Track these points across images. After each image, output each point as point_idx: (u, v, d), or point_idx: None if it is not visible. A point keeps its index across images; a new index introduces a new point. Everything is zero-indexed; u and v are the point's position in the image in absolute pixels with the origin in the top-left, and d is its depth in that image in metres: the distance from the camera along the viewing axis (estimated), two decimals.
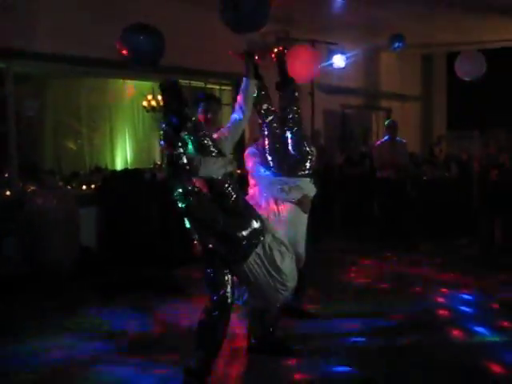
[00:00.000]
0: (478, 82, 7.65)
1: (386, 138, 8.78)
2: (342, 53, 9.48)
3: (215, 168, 3.60)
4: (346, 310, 5.42)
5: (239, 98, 4.03)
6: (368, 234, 8.96)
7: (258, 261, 3.63)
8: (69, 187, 7.53)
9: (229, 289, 3.58)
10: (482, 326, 4.85)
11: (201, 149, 3.58)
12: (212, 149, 3.61)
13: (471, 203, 8.09)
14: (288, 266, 3.76)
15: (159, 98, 9.55)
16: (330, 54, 9.35)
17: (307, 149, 4.57)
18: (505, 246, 7.59)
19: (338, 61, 9.43)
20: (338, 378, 3.96)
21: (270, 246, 3.67)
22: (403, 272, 6.91)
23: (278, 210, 4.44)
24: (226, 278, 3.59)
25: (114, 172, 8.67)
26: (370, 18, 9.35)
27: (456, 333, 4.76)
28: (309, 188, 4.59)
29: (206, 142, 3.60)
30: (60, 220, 6.40)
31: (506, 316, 5.14)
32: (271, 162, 4.51)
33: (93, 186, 7.73)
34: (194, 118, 3.53)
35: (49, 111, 9.29)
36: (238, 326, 4.44)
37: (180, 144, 3.42)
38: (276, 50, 4.65)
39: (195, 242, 3.62)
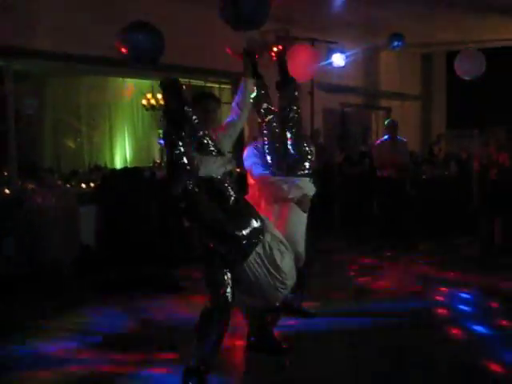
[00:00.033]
0: (478, 81, 7.65)
1: (386, 137, 8.76)
2: (342, 52, 9.47)
3: (215, 167, 3.60)
4: (345, 309, 5.42)
5: (237, 96, 4.03)
6: (368, 233, 8.96)
7: (259, 260, 3.63)
8: (68, 186, 7.53)
9: (229, 288, 3.58)
10: (482, 325, 4.85)
11: (201, 148, 3.58)
12: (212, 148, 3.61)
13: (471, 202, 8.08)
14: (287, 264, 3.77)
15: (159, 96, 9.57)
16: (330, 52, 9.34)
17: (307, 148, 4.57)
18: (504, 246, 7.59)
19: (338, 60, 9.41)
20: (337, 377, 3.95)
21: (269, 245, 3.67)
22: (403, 271, 6.91)
23: (278, 209, 4.44)
24: (226, 277, 3.59)
25: (114, 170, 8.67)
26: (370, 18, 9.35)
27: (455, 332, 4.76)
28: (308, 187, 4.58)
29: (205, 141, 3.60)
30: (59, 218, 6.41)
31: (506, 315, 5.14)
32: (270, 162, 4.50)
33: (92, 185, 7.72)
34: (194, 117, 3.52)
35: (48, 109, 9.30)
36: (237, 324, 4.43)
37: (181, 143, 3.42)
38: (276, 49, 4.64)
39: (195, 242, 3.62)
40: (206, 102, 3.83)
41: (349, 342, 4.55)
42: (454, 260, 7.44)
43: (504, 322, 4.97)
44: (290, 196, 4.44)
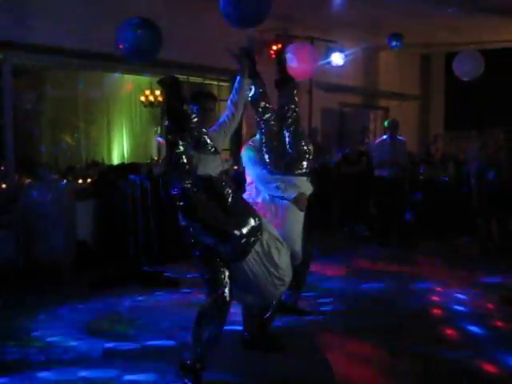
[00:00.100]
0: (477, 82, 7.66)
1: (386, 136, 8.77)
2: (341, 51, 9.48)
3: (213, 166, 3.61)
4: (342, 308, 5.42)
5: (232, 95, 4.03)
6: (365, 232, 8.97)
7: (257, 258, 3.63)
8: (65, 181, 7.52)
9: (227, 288, 3.57)
10: (477, 326, 4.85)
11: (199, 146, 3.58)
12: (210, 147, 3.62)
13: (469, 203, 8.10)
14: (284, 261, 3.79)
15: (157, 93, 9.56)
16: (329, 51, 9.34)
17: (305, 147, 4.56)
18: (503, 246, 7.60)
19: (337, 59, 9.42)
20: (332, 377, 3.95)
21: (267, 244, 3.68)
22: (401, 271, 6.91)
23: (275, 208, 4.43)
24: (225, 276, 3.58)
25: (111, 166, 8.65)
26: (370, 17, 9.34)
27: (451, 332, 4.77)
28: (305, 186, 4.58)
29: (203, 139, 3.60)
30: (56, 214, 6.38)
31: (502, 316, 5.14)
32: (268, 160, 4.49)
33: (89, 180, 7.71)
34: (193, 116, 3.52)
35: (46, 104, 9.28)
36: (233, 321, 4.42)
37: (181, 142, 3.42)
38: (275, 47, 4.64)
39: (192, 241, 3.60)
40: (205, 100, 3.83)
41: (346, 342, 4.55)
42: (453, 260, 7.46)
43: (499, 323, 4.97)
44: (287, 195, 4.43)
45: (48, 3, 6.77)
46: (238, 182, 4.69)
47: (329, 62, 9.33)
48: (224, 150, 4.16)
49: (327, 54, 9.29)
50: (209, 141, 3.62)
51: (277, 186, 4.41)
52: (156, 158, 9.78)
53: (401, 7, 8.84)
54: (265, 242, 3.67)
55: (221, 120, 3.96)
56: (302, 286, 5.08)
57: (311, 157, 4.62)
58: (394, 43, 9.24)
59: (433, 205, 8.84)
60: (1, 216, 6.28)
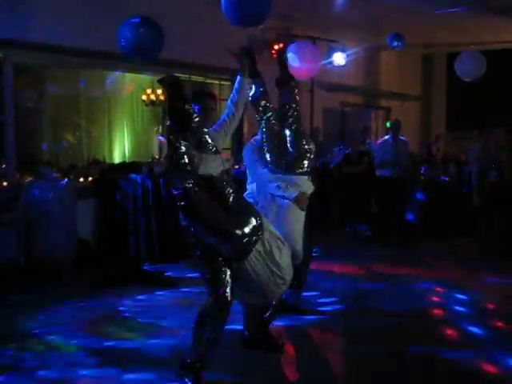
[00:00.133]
0: (478, 82, 7.65)
1: (388, 136, 8.77)
2: (343, 50, 9.47)
3: (214, 165, 3.60)
4: (342, 308, 5.42)
5: (232, 95, 4.03)
6: (367, 232, 8.96)
7: (259, 257, 3.63)
8: (66, 179, 7.52)
9: (228, 287, 3.57)
10: (478, 326, 4.84)
11: (200, 146, 3.58)
12: (211, 146, 3.62)
13: (470, 203, 8.10)
14: (285, 260, 3.79)
15: (159, 92, 9.56)
16: (331, 51, 9.34)
17: (306, 146, 4.55)
18: (503, 247, 7.59)
19: (339, 58, 9.42)
20: (333, 377, 3.95)
21: (269, 243, 3.68)
22: (401, 271, 6.91)
23: (276, 207, 4.43)
24: (226, 276, 3.58)
25: (112, 165, 8.65)
26: (371, 17, 9.34)
27: (452, 332, 4.76)
28: (306, 186, 4.58)
29: (204, 139, 3.60)
30: (57, 212, 6.39)
31: (502, 316, 5.14)
32: (269, 159, 4.49)
33: (90, 179, 7.71)
34: (194, 115, 3.52)
35: (47, 103, 9.28)
36: (233, 320, 4.43)
37: (183, 142, 3.42)
38: (277, 46, 4.64)
39: (193, 240, 3.60)
40: (206, 100, 3.83)
41: (346, 342, 4.55)
42: (453, 260, 7.45)
43: (499, 323, 4.97)
44: (288, 194, 4.43)
45: (48, 2, 6.78)
46: (239, 181, 4.69)
47: (331, 62, 9.33)
48: (225, 149, 4.16)
49: (329, 54, 9.29)
50: (210, 140, 3.62)
51: (278, 186, 4.41)
52: (157, 157, 9.78)
53: (402, 7, 8.84)
54: (266, 241, 3.67)
55: (221, 120, 3.96)
56: (303, 286, 5.08)
57: (312, 156, 4.62)
58: (395, 43, 9.24)
59: (433, 205, 8.83)
60: (2, 214, 6.28)
